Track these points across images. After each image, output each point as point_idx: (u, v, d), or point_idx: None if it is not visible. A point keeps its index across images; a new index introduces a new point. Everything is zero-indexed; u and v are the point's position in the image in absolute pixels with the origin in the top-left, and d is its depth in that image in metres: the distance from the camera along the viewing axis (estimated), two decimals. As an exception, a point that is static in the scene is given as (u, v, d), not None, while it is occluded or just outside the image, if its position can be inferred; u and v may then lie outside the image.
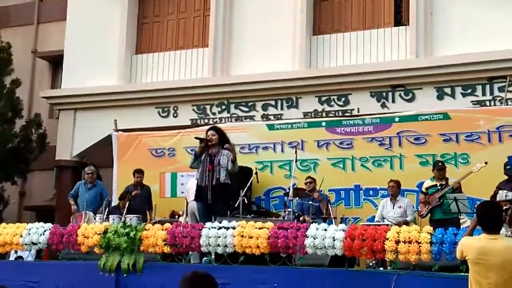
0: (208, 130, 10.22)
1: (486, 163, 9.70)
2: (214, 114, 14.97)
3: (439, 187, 9.95)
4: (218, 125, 11.48)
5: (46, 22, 19.98)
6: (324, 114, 13.93)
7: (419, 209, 10.24)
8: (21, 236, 9.64)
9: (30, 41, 20.01)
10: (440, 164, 10.19)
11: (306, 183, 11.03)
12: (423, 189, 10.19)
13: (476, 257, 5.55)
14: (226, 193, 9.81)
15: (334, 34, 14.47)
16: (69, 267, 9.44)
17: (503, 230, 6.59)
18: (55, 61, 19.19)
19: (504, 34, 12.83)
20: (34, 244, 9.58)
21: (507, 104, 11.80)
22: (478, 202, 8.22)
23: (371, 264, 8.69)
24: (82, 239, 9.22)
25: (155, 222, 10.32)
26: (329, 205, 10.94)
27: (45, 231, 9.57)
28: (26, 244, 9.62)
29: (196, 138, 10.06)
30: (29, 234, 9.61)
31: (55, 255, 10.01)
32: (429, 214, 9.99)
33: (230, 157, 9.74)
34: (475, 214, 6.14)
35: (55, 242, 9.44)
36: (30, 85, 19.53)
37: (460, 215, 9.65)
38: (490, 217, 5.71)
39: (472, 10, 13.18)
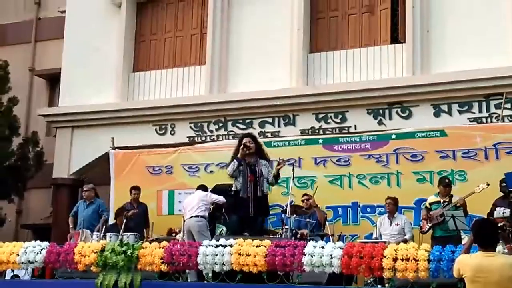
0: (243, 137, 10.08)
1: (488, 184, 9.67)
2: (211, 131, 14.98)
3: (442, 204, 9.93)
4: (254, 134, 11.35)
5: (44, 40, 20.05)
6: (321, 131, 13.93)
7: (421, 224, 10.23)
8: (18, 254, 9.61)
9: (27, 59, 20.08)
10: (447, 181, 10.17)
11: (303, 200, 11.03)
12: (427, 204, 10.18)
13: (473, 275, 5.54)
14: (266, 205, 9.77)
15: (331, 52, 14.51)
16: (66, 286, 9.40)
17: (500, 247, 6.57)
18: (53, 79, 19.23)
19: (500, 51, 12.88)
20: (30, 262, 9.55)
21: (503, 121, 11.83)
22: (475, 219, 8.26)
23: (369, 281, 8.64)
24: (79, 257, 9.19)
25: (152, 240, 10.30)
26: (326, 222, 10.93)
27: (41, 249, 9.55)
28: (22, 263, 9.59)
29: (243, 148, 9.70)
30: (26, 252, 9.58)
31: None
32: (430, 231, 9.98)
33: (270, 168, 9.69)
34: (470, 231, 6.14)
35: (51, 261, 9.42)
36: (27, 103, 19.56)
37: (460, 232, 9.63)
38: (486, 234, 5.71)
39: (468, 28, 13.24)
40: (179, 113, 15.25)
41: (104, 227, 11.40)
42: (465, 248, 6.01)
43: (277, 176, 9.78)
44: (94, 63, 16.30)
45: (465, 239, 9.35)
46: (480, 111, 12.92)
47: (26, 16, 20.54)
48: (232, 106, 14.78)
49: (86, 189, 12.70)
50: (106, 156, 13.88)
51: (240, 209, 9.56)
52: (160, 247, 8.86)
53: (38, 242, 9.80)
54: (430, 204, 10.14)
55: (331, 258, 7.84)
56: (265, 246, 8.23)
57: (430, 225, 9.96)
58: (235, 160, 9.68)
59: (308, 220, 10.59)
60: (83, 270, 9.24)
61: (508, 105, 12.39)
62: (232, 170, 9.66)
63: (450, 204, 9.82)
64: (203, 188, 11.06)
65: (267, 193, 9.73)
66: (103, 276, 9.01)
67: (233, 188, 9.73)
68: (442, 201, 10.00)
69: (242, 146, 9.72)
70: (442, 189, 10.08)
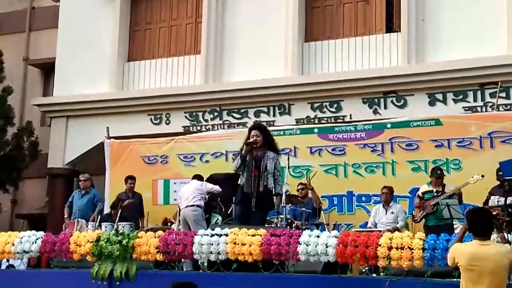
0: (251, 129, 9.63)
1: (483, 176, 9.64)
2: (206, 121, 14.97)
3: (435, 194, 9.93)
4: (263, 124, 10.99)
5: (38, 29, 19.97)
6: (316, 121, 13.95)
7: (414, 213, 10.25)
8: (13, 244, 9.60)
9: (21, 48, 19.99)
10: (439, 172, 10.12)
11: (298, 190, 11.04)
12: (420, 194, 10.16)
13: (468, 263, 5.57)
14: (269, 200, 9.47)
15: (326, 41, 14.50)
16: (61, 276, 9.41)
17: (493, 236, 6.59)
18: (47, 69, 19.17)
19: (495, 40, 12.90)
20: (26, 252, 9.55)
21: (498, 110, 11.85)
22: (469, 208, 8.29)
23: (364, 270, 8.68)
24: (74, 247, 9.18)
25: (148, 230, 10.31)
26: (322, 211, 10.94)
27: (37, 239, 9.53)
28: (18, 253, 9.58)
29: (247, 144, 9.33)
30: (21, 242, 9.57)
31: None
32: (423, 220, 10.00)
33: (277, 161, 9.40)
34: (465, 220, 6.16)
35: (47, 251, 9.41)
36: (21, 92, 19.49)
37: (453, 221, 9.66)
38: (480, 223, 5.73)
39: (463, 16, 13.24)
40: (174, 102, 15.23)
41: (99, 216, 11.40)
42: (459, 237, 6.04)
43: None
44: (88, 52, 16.24)
45: (459, 228, 9.38)
46: (475, 100, 12.94)
47: (20, 5, 20.43)
48: (227, 95, 14.76)
49: (83, 179, 12.66)
50: (101, 146, 13.87)
51: (243, 203, 9.38)
52: (155, 237, 8.87)
53: (33, 231, 9.78)
54: (423, 193, 10.12)
55: (326, 247, 7.85)
56: (261, 235, 8.24)
57: (423, 214, 9.97)
58: (238, 158, 9.40)
59: (303, 209, 10.61)
60: (79, 260, 9.24)
61: (503, 94, 12.41)
62: (235, 166, 9.45)
63: (443, 194, 9.82)
64: (198, 177, 11.07)
65: (272, 187, 9.34)
66: (98, 265, 9.02)
67: (239, 182, 9.51)
68: (435, 190, 10.00)
69: (247, 142, 9.37)
70: (434, 180, 10.05)
